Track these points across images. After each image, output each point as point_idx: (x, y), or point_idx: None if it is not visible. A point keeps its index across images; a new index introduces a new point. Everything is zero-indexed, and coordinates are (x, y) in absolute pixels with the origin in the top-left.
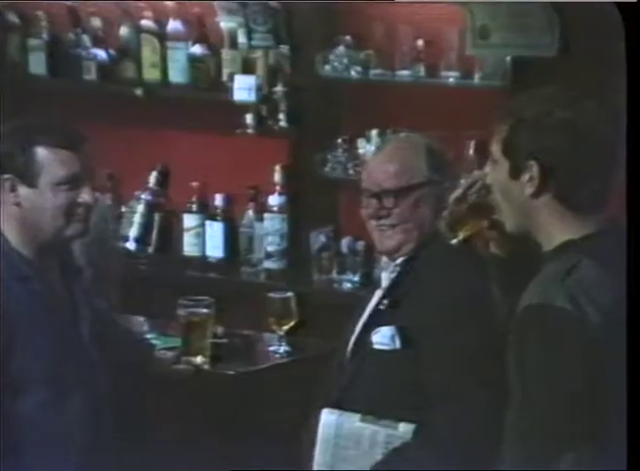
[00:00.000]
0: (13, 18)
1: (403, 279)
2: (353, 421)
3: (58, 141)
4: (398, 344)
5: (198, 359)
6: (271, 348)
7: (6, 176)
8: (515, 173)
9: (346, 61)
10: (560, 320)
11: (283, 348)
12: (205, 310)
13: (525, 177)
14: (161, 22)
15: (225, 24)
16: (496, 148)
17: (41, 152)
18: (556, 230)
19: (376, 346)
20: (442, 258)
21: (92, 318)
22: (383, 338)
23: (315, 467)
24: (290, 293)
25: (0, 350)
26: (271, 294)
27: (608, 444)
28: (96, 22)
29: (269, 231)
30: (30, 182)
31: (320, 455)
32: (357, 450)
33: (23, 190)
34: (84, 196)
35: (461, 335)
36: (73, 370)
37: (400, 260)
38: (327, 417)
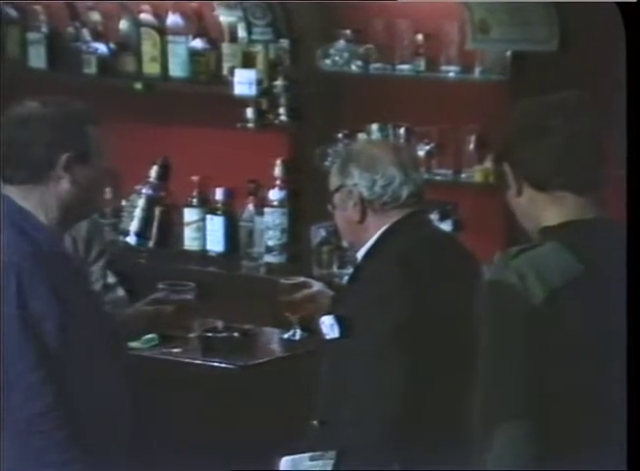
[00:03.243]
0: (11, 12)
1: (354, 272)
2: (304, 460)
3: (97, 119)
4: (336, 333)
5: (175, 350)
6: (285, 336)
7: (67, 154)
8: (505, 183)
9: (346, 55)
10: (506, 293)
11: (298, 334)
12: (185, 296)
13: (509, 181)
14: (160, 16)
15: (224, 18)
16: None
17: (93, 131)
18: (542, 220)
19: (325, 336)
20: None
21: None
22: (324, 326)
23: None
24: (302, 278)
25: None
26: (284, 281)
27: (608, 444)
28: (95, 15)
29: (269, 225)
30: (89, 160)
31: None
32: None
33: (80, 170)
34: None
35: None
36: (107, 337)
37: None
38: (284, 463)
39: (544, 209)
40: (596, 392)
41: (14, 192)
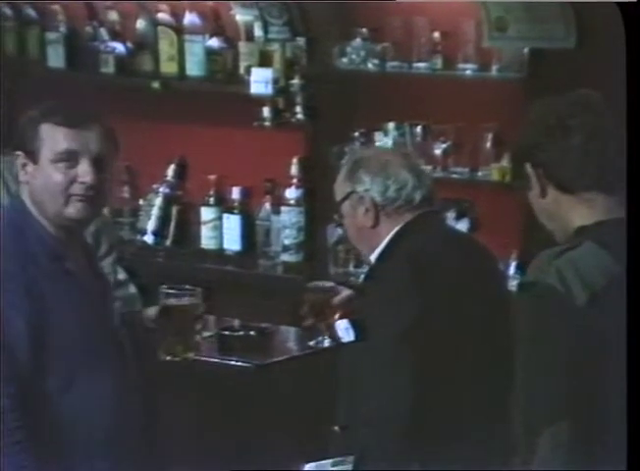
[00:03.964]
0: (31, 12)
1: (368, 272)
2: (326, 466)
3: (59, 119)
4: (352, 336)
5: (180, 352)
6: (312, 343)
7: (17, 152)
8: (527, 184)
9: (363, 53)
10: (547, 296)
11: (327, 342)
12: (189, 299)
13: (532, 182)
14: (177, 15)
15: (240, 17)
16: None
17: (43, 128)
18: (572, 220)
19: (341, 340)
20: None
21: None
22: (340, 330)
23: None
24: (330, 283)
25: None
26: (312, 285)
27: (608, 444)
28: (113, 15)
29: (286, 224)
30: (33, 158)
31: None
32: None
33: (29, 167)
34: (84, 175)
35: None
36: (103, 350)
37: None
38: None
39: (571, 210)
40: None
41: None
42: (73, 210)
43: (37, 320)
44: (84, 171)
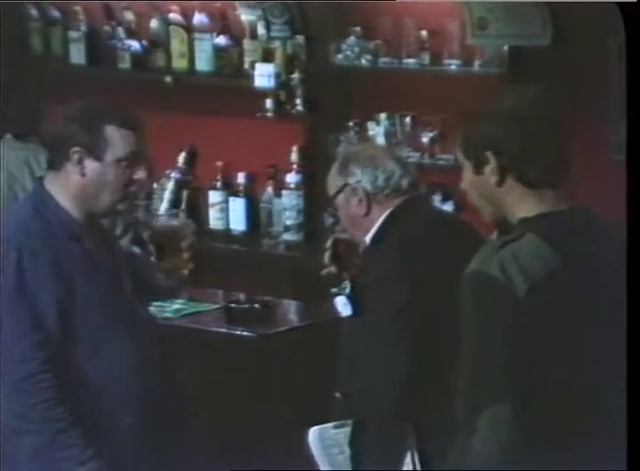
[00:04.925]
0: (54, 12)
1: (362, 253)
2: (329, 430)
3: (123, 122)
4: (349, 311)
5: (175, 270)
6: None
7: (75, 148)
8: (478, 168)
9: (357, 50)
10: (490, 286)
11: (348, 288)
12: (177, 220)
13: (487, 169)
14: (187, 15)
15: (245, 16)
16: (459, 154)
17: (109, 130)
18: (517, 210)
19: (340, 314)
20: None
21: (132, 278)
22: (338, 305)
23: None
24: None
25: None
26: (337, 235)
27: (608, 444)
28: (129, 15)
29: (287, 206)
30: (97, 156)
31: (323, 468)
32: (344, 453)
33: (89, 163)
34: (140, 174)
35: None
36: (120, 321)
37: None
38: (311, 433)
39: (521, 201)
40: (576, 380)
41: (49, 176)
42: (123, 206)
43: (63, 294)
44: (142, 170)
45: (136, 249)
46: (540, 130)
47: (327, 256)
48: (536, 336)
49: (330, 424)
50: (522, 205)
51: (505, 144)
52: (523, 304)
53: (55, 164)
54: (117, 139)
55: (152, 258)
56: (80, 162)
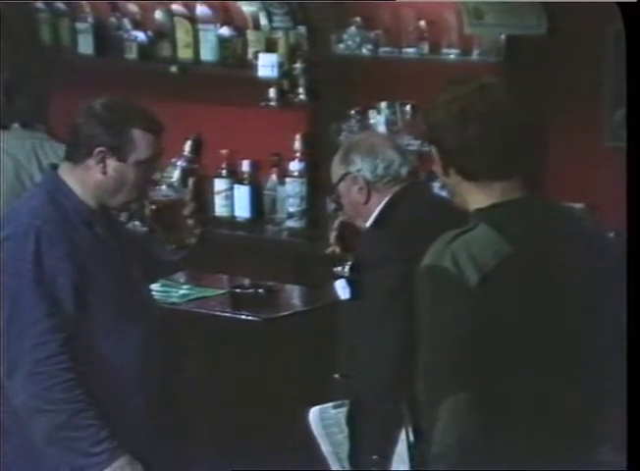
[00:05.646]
0: (61, 5)
1: (361, 238)
2: (329, 409)
3: (150, 126)
4: (348, 294)
5: (181, 240)
6: (337, 268)
7: (100, 148)
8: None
9: (357, 40)
10: (443, 278)
11: (348, 268)
12: (175, 195)
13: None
14: (190, 7)
15: (246, 8)
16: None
17: (136, 134)
18: (471, 200)
19: (339, 297)
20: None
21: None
22: (338, 289)
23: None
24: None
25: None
26: (345, 217)
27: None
28: (133, 7)
29: (290, 193)
30: (121, 157)
31: (324, 447)
32: (343, 432)
33: (111, 162)
34: (156, 175)
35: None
36: (130, 305)
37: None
38: (312, 413)
39: (470, 193)
40: (533, 368)
41: (64, 167)
42: (135, 205)
43: (79, 279)
44: (156, 172)
45: (141, 228)
46: (477, 127)
47: (332, 236)
48: (490, 325)
49: (329, 404)
50: (472, 196)
51: (442, 138)
52: (476, 294)
53: (75, 157)
54: (142, 143)
55: (158, 235)
56: (102, 161)
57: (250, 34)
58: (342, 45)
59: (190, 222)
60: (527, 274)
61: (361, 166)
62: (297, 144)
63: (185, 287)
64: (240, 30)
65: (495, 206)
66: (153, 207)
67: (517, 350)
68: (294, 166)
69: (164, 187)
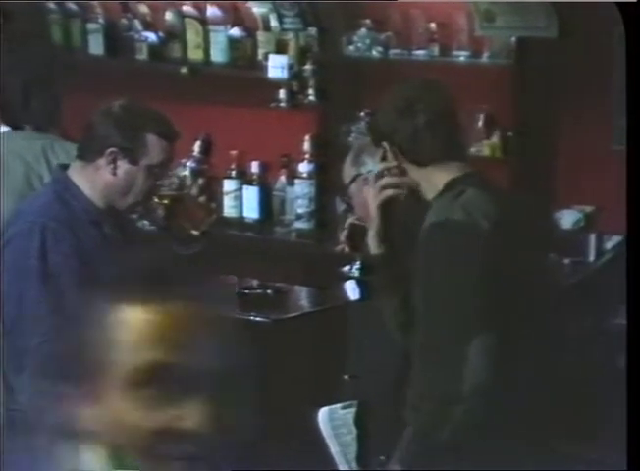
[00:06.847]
0: (72, 6)
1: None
2: (338, 410)
3: (164, 132)
4: (357, 295)
5: (202, 223)
6: (346, 268)
7: (112, 149)
8: (384, 156)
9: (367, 42)
10: (460, 229)
11: (357, 268)
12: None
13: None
14: (201, 8)
15: (257, 9)
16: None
17: (150, 138)
18: (431, 183)
19: (349, 298)
20: None
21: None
22: (347, 290)
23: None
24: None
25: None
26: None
27: (608, 443)
28: (144, 8)
29: (299, 194)
30: (133, 160)
31: (332, 448)
32: (352, 433)
33: (122, 164)
34: (164, 181)
35: None
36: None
37: None
38: (321, 414)
39: (431, 176)
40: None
41: (74, 166)
42: (143, 208)
43: (84, 277)
44: (165, 176)
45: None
46: (425, 114)
47: (343, 235)
48: (502, 264)
49: (338, 405)
50: (434, 178)
51: (394, 131)
52: (487, 238)
53: (87, 156)
54: (155, 148)
55: (171, 229)
56: (113, 161)
57: (261, 36)
58: (352, 47)
59: (201, 211)
60: (513, 226)
61: (372, 167)
62: (307, 146)
63: None
64: (250, 32)
65: (467, 175)
66: (165, 202)
67: (521, 292)
68: (304, 167)
69: (174, 179)
